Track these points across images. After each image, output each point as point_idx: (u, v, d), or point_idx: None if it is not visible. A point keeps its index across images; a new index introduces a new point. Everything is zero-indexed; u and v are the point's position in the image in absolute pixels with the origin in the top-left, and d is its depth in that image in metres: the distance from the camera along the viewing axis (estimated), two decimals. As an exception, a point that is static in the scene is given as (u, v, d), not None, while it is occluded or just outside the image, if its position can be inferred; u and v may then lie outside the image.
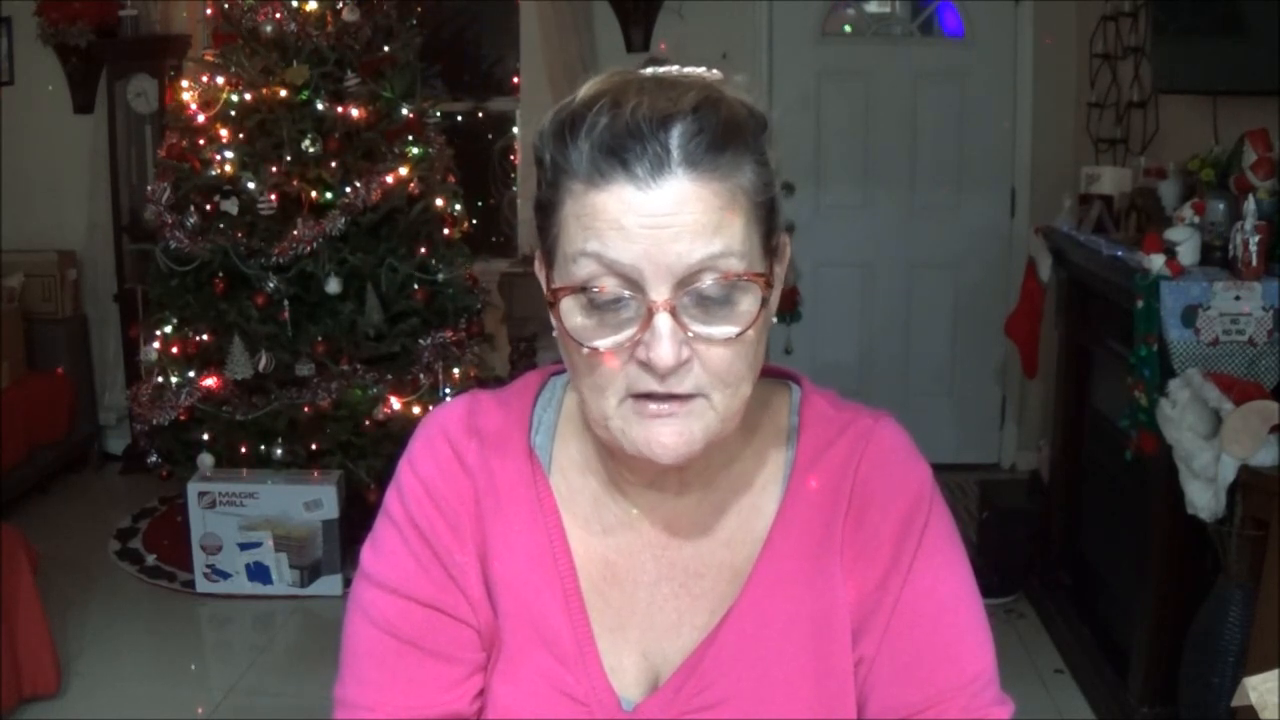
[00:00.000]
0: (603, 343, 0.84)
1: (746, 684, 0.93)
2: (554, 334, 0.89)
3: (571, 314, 0.85)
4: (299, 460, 3.87)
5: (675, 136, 0.82)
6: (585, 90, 0.86)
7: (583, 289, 0.84)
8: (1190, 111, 3.44)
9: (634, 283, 0.82)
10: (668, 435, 0.86)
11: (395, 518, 0.98)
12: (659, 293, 0.82)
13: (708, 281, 0.83)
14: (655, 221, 0.81)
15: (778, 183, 0.89)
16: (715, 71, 0.89)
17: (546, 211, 0.87)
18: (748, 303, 0.85)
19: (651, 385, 0.85)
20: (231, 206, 3.82)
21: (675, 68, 0.89)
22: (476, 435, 0.98)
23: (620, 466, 0.96)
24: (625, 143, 0.81)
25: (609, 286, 0.83)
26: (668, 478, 0.95)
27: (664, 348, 0.82)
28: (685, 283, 0.82)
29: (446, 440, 0.98)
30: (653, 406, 0.85)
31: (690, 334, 0.84)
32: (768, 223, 0.87)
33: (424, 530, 0.96)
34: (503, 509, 0.97)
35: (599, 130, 0.82)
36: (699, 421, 0.86)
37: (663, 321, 0.82)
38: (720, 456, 0.95)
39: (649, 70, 0.88)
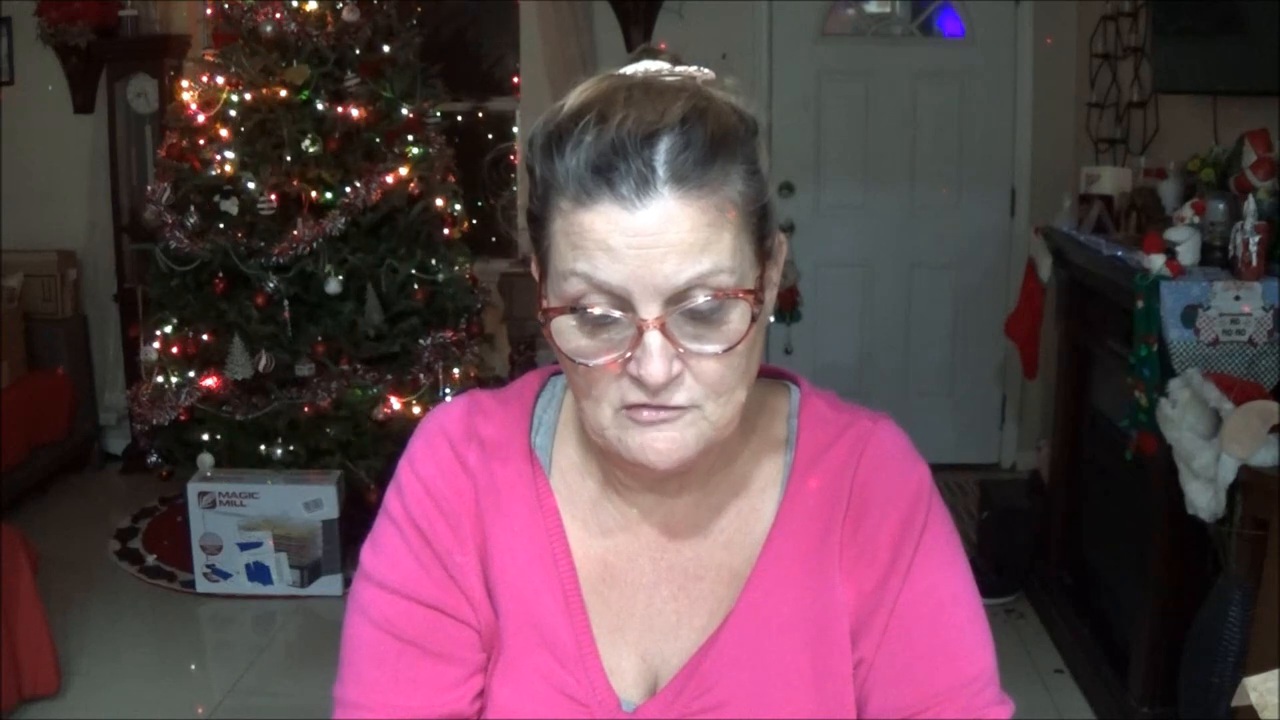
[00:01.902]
0: (595, 361, 0.85)
1: (746, 686, 0.93)
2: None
3: (564, 330, 0.86)
4: (299, 460, 3.87)
5: (661, 153, 0.81)
6: (573, 99, 0.85)
7: (573, 309, 0.84)
8: (1190, 111, 3.44)
9: (624, 301, 0.83)
10: (662, 443, 0.86)
11: (395, 518, 0.97)
12: (648, 311, 0.82)
13: (698, 299, 0.83)
14: (642, 241, 0.81)
15: (770, 188, 0.88)
16: (707, 71, 0.89)
17: (538, 224, 0.87)
18: (737, 317, 0.84)
19: (644, 398, 0.85)
20: (231, 206, 3.82)
21: (667, 65, 0.88)
22: (476, 436, 0.98)
23: (618, 470, 0.96)
24: (611, 161, 0.81)
25: (599, 305, 0.83)
26: (666, 481, 0.95)
27: (654, 365, 0.82)
28: (674, 300, 0.82)
29: (446, 440, 0.98)
30: (647, 414, 0.85)
31: (681, 349, 0.84)
32: (760, 230, 0.87)
33: (424, 530, 0.96)
34: (503, 509, 0.97)
35: (585, 147, 0.81)
36: (693, 430, 0.86)
37: (653, 339, 0.82)
38: (718, 459, 0.95)
39: (640, 68, 0.88)
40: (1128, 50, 3.98)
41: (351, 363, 3.88)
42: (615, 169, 0.81)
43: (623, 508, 0.98)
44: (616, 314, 0.83)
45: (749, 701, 0.93)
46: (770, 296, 0.91)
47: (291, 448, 3.86)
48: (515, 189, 5.19)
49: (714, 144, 0.82)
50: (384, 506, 0.99)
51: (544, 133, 0.85)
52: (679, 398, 0.85)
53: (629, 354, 0.83)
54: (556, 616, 0.95)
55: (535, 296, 0.90)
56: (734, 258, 0.84)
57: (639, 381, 0.84)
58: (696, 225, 0.81)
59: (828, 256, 4.88)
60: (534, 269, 0.91)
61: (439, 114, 4.26)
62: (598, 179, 0.81)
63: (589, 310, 0.83)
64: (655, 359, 0.82)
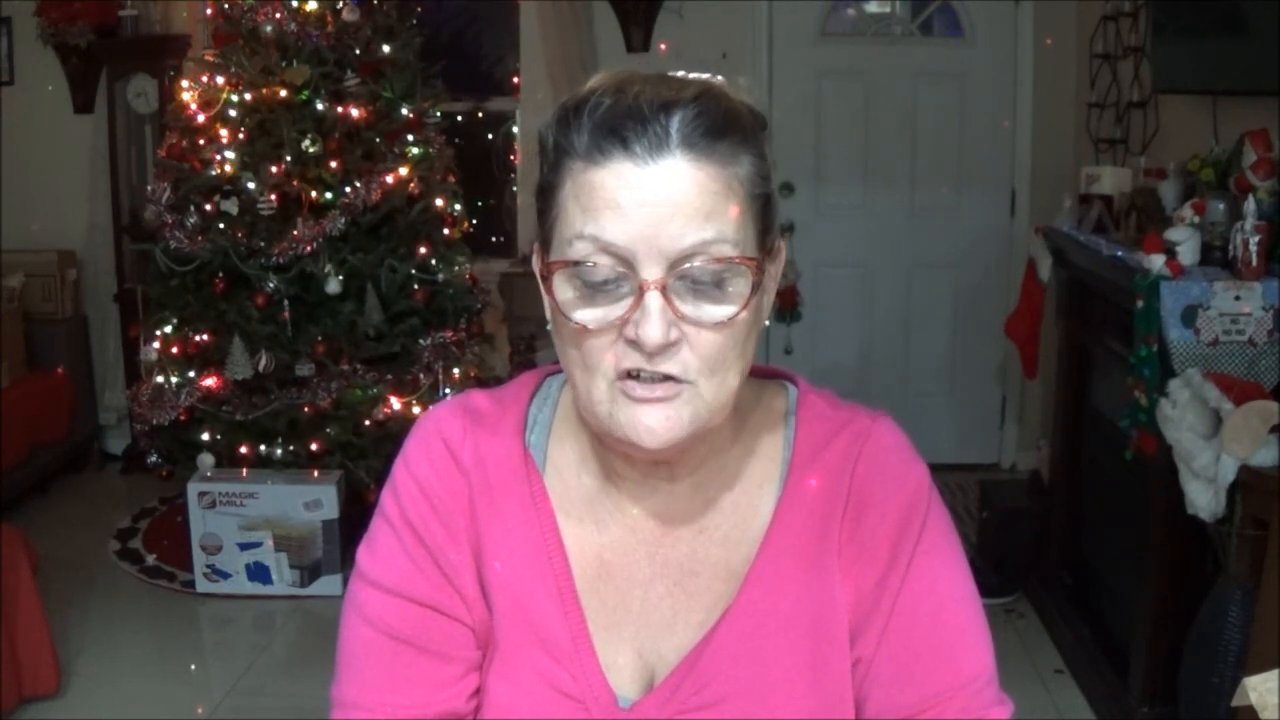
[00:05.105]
0: (593, 317, 0.86)
1: (744, 683, 0.93)
2: (549, 328, 0.90)
3: (563, 290, 0.87)
4: (299, 460, 3.87)
5: (676, 120, 0.84)
6: (590, 83, 0.88)
7: (576, 264, 0.85)
8: (1190, 111, 3.44)
9: (627, 262, 0.84)
10: (654, 419, 0.87)
11: (390, 517, 0.98)
12: (651, 272, 0.83)
13: (699, 263, 0.84)
14: (651, 199, 0.83)
15: (774, 181, 0.90)
16: (719, 77, 0.91)
17: (547, 195, 0.88)
18: (739, 286, 0.86)
19: (640, 362, 0.85)
20: (231, 206, 3.82)
21: (680, 73, 0.91)
22: (472, 435, 0.98)
23: (613, 459, 0.96)
24: (626, 122, 0.84)
25: (602, 264, 0.84)
26: (659, 471, 0.95)
27: (653, 325, 0.83)
28: (677, 264, 0.84)
29: (441, 440, 0.98)
30: (641, 390, 0.86)
31: (680, 315, 0.84)
32: (763, 218, 0.89)
33: (419, 530, 0.96)
34: (497, 507, 0.97)
35: (601, 111, 0.85)
36: (686, 408, 0.87)
37: (653, 299, 0.83)
38: (713, 451, 0.95)
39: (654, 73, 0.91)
40: (1128, 50, 3.98)
41: (351, 363, 3.88)
42: (630, 129, 0.83)
43: (618, 502, 0.98)
44: (619, 270, 0.84)
45: (746, 698, 0.93)
46: (770, 291, 0.91)
47: (291, 448, 3.86)
48: (516, 187, 5.20)
49: (726, 120, 0.86)
50: (379, 506, 1.00)
51: (561, 108, 0.88)
52: (674, 368, 0.86)
53: (628, 315, 0.84)
54: (552, 613, 0.95)
55: (538, 293, 0.91)
56: (738, 230, 0.85)
57: (636, 345, 0.85)
58: (704, 191, 0.84)
59: (828, 256, 4.88)
60: (535, 257, 0.92)
61: (439, 114, 4.26)
62: (612, 138, 0.84)
63: (591, 268, 0.84)
64: (654, 319, 0.83)
